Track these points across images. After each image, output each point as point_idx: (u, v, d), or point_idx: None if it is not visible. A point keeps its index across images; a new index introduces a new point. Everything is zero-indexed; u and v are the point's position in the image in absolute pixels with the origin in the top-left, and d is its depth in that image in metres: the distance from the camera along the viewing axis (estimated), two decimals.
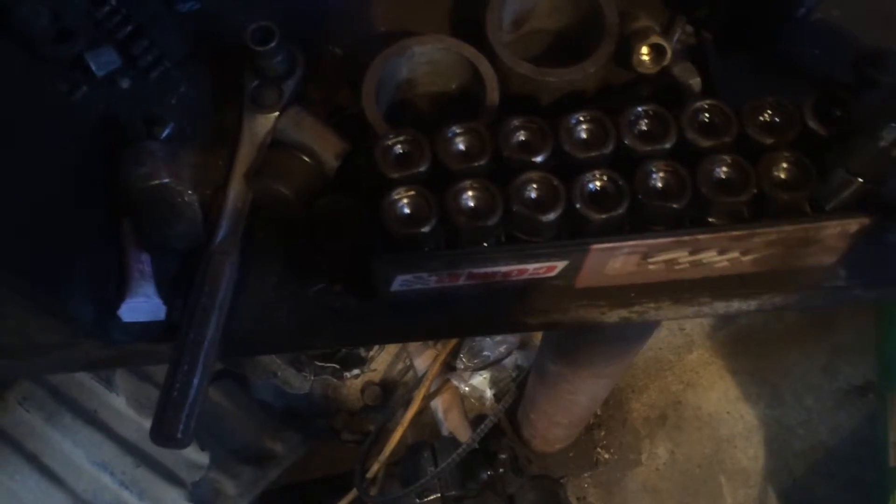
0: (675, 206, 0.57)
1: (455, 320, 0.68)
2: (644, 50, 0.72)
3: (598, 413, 1.88)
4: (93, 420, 1.60)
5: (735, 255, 0.63)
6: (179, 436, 0.62)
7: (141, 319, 0.66)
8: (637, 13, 0.73)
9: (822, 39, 0.75)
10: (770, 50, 0.74)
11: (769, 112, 0.60)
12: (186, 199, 0.67)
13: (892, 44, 0.74)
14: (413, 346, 1.92)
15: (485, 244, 0.59)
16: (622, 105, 0.62)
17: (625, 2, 0.76)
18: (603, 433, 1.87)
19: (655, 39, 0.71)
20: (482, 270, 0.61)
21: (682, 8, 0.76)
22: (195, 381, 0.63)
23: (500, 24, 0.70)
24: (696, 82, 0.71)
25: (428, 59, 0.69)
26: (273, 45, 0.67)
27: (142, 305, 0.66)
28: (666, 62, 0.72)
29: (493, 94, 0.67)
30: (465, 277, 0.62)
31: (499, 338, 1.85)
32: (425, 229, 0.57)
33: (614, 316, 0.70)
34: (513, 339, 1.86)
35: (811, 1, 0.69)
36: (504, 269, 0.61)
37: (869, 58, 0.68)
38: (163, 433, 0.63)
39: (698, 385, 1.90)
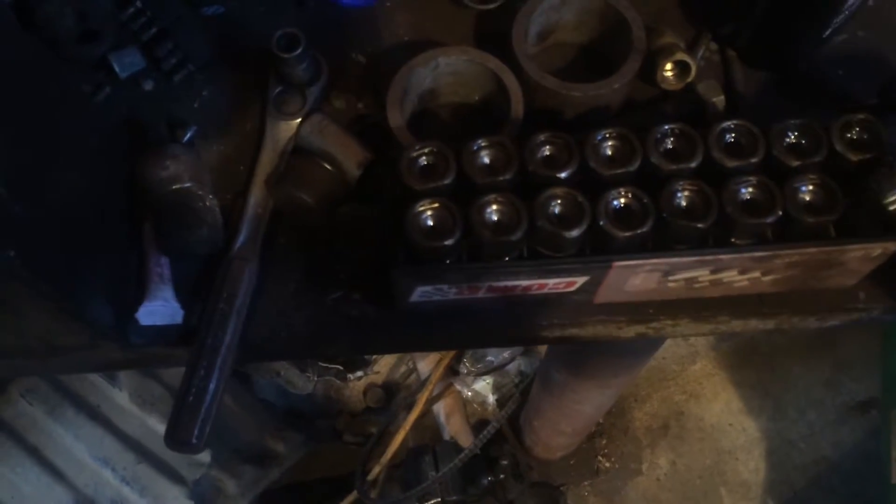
0: (699, 225, 0.57)
1: (472, 332, 0.68)
2: (669, 66, 0.72)
3: (600, 421, 1.88)
4: (95, 415, 1.59)
5: (756, 275, 0.63)
6: (194, 441, 0.62)
7: (158, 323, 0.66)
8: (662, 29, 0.73)
9: (847, 60, 0.75)
10: (794, 69, 0.74)
11: (796, 134, 0.59)
12: (208, 203, 0.67)
13: None
14: None
15: (507, 258, 0.59)
16: (646, 121, 0.62)
17: (650, 17, 0.76)
18: (604, 441, 1.87)
19: (680, 56, 0.71)
20: (503, 284, 0.61)
21: (706, 25, 0.76)
22: (211, 387, 0.63)
23: (525, 36, 0.70)
24: (719, 100, 0.71)
25: (452, 70, 0.69)
26: (299, 51, 0.67)
27: (159, 309, 0.66)
28: (690, 79, 0.72)
29: (517, 107, 0.67)
30: (484, 290, 0.62)
31: None
32: (449, 242, 0.56)
33: (631, 331, 0.69)
34: None
35: (837, 21, 0.69)
36: (525, 283, 0.61)
37: None
38: (177, 438, 0.63)
39: (701, 396, 1.90)
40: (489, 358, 1.86)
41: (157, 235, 0.66)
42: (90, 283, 0.64)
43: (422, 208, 0.57)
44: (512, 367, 1.88)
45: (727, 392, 1.90)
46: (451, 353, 1.84)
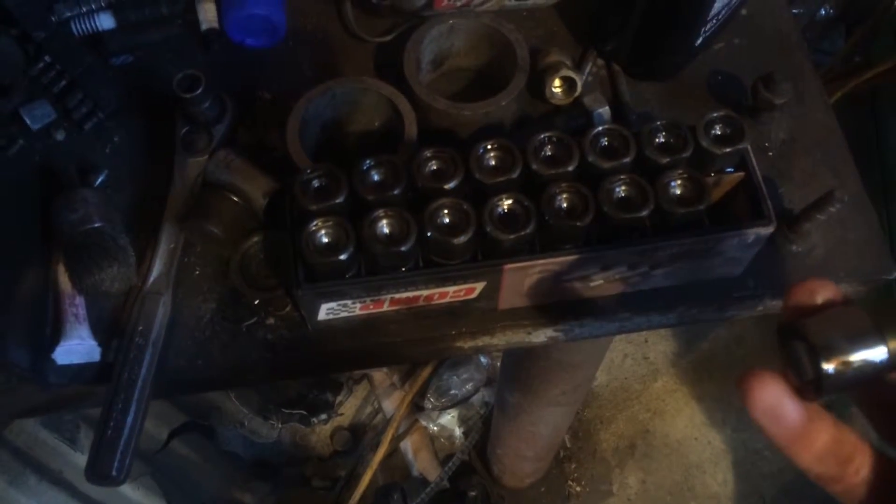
0: (578, 224, 0.60)
1: (385, 346, 0.70)
2: (557, 83, 0.77)
3: (568, 445, 1.88)
4: (58, 480, 1.58)
5: (645, 269, 0.66)
6: (114, 473, 0.63)
7: (75, 361, 0.68)
8: (549, 49, 0.78)
9: (724, 66, 0.80)
10: (674, 77, 0.79)
11: (664, 134, 0.63)
12: (120, 242, 0.69)
13: (787, 67, 0.80)
14: (381, 389, 1.92)
15: (403, 269, 0.62)
16: (539, 134, 0.66)
17: (540, 40, 0.81)
18: (573, 466, 1.87)
19: (566, 73, 0.75)
20: (404, 295, 0.64)
21: (592, 43, 0.81)
22: (129, 420, 0.65)
23: (418, 63, 0.74)
24: (605, 111, 0.75)
25: (349, 99, 0.73)
26: (200, 91, 0.70)
27: (76, 348, 0.67)
28: (577, 93, 0.76)
29: (411, 129, 0.70)
30: (388, 303, 0.65)
31: (465, 375, 1.85)
32: (343, 257, 0.59)
33: (541, 335, 0.72)
34: (479, 375, 1.87)
35: (706, 31, 0.74)
36: (425, 292, 0.64)
37: (763, 82, 0.73)
38: (98, 472, 0.63)
39: (665, 413, 1.92)
40: (452, 391, 1.87)
41: (70, 275, 0.68)
42: (5, 326, 0.65)
43: (315, 227, 0.60)
44: (476, 398, 1.89)
45: (690, 407, 1.92)
46: (414, 390, 1.85)
